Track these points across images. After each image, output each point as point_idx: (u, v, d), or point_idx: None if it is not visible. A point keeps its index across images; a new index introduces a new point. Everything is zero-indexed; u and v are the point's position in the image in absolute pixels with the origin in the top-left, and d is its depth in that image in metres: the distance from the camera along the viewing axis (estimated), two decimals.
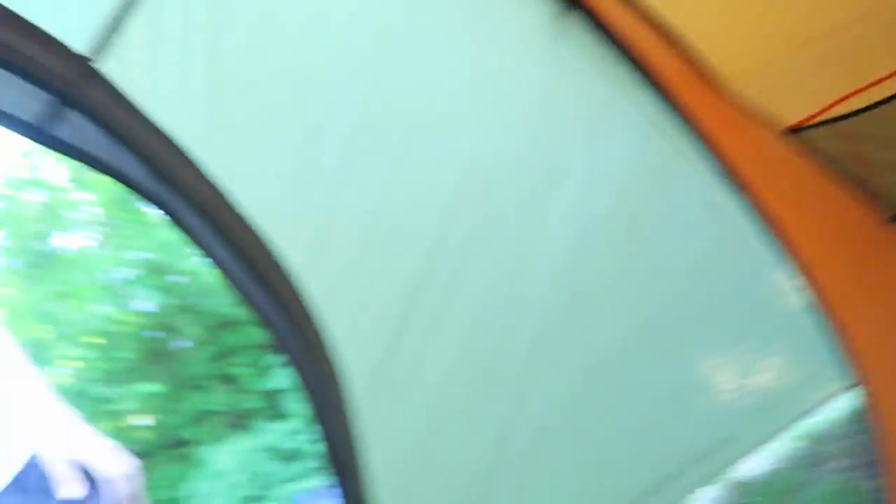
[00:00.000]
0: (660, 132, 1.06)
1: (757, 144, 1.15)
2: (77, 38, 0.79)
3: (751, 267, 1.27)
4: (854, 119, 1.24)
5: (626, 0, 0.95)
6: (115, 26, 0.80)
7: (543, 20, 0.95)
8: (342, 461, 0.99)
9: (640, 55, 0.97)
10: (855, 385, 1.10)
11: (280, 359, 1.05)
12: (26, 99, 0.81)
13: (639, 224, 1.14)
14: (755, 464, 1.85)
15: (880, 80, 1.23)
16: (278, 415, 4.61)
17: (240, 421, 4.76)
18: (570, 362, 1.24)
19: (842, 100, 1.23)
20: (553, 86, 1.03)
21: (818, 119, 1.21)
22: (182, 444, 4.77)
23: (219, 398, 4.87)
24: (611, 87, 1.03)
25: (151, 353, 5.01)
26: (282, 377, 4.18)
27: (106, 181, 3.36)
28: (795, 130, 1.21)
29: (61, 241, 5.18)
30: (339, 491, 1.02)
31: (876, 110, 1.24)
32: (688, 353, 1.35)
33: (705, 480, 1.53)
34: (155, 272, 4.91)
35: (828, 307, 1.07)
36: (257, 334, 3.89)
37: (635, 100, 1.05)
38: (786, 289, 1.27)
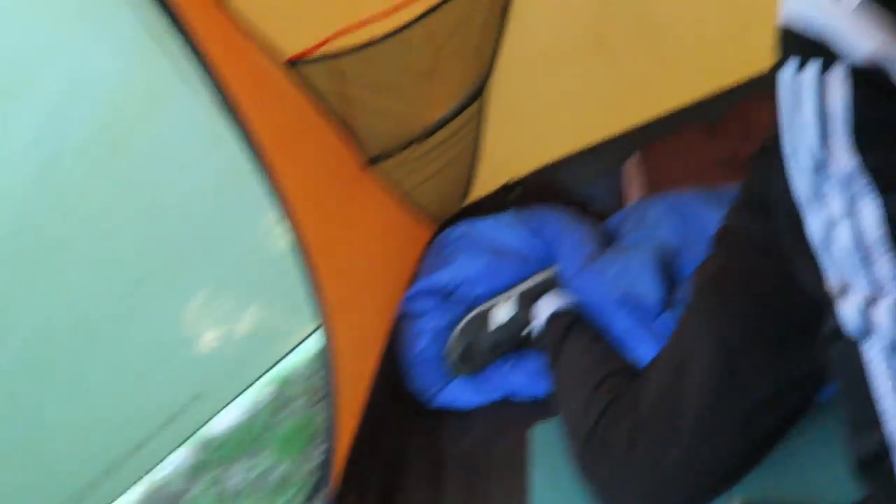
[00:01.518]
0: (161, 50, 0.93)
1: (258, 74, 1.16)
2: None
3: (244, 209, 1.28)
4: (345, 58, 1.35)
5: None
6: None
7: None
8: None
9: None
10: (320, 326, 1.24)
11: None
12: None
13: (124, 153, 1.01)
14: (226, 417, 1.94)
15: (370, 21, 1.36)
16: None
17: None
18: (27, 320, 1.05)
19: (334, 36, 1.32)
20: None
21: (315, 54, 1.26)
22: None
23: None
24: None
25: None
26: None
27: None
28: (294, 63, 1.24)
29: None
30: None
31: (363, 51, 1.37)
32: (171, 305, 1.31)
33: (175, 442, 1.53)
34: None
35: (305, 251, 1.16)
36: None
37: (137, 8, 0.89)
38: (274, 232, 1.33)
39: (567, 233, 1.63)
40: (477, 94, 1.79)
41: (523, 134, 1.95)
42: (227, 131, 1.18)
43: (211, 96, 0.99)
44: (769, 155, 0.90)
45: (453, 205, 1.98)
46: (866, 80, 0.58)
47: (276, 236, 1.44)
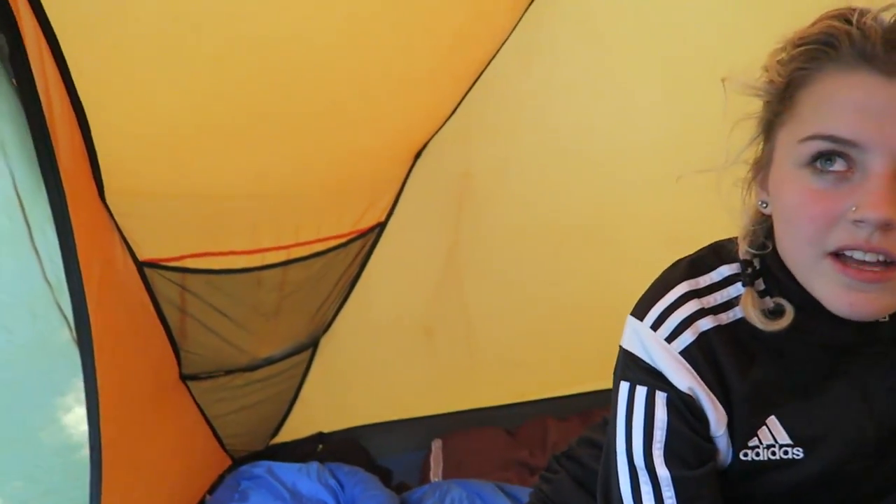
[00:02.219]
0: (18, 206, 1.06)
1: (111, 263, 1.24)
2: None
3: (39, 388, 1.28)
4: (195, 276, 1.48)
5: (61, 68, 0.95)
6: None
7: None
8: None
9: (47, 117, 0.97)
10: None
11: None
12: None
13: None
14: None
15: (230, 253, 1.52)
16: None
17: None
18: None
19: (192, 255, 1.47)
20: None
21: (169, 264, 1.39)
22: None
23: None
24: None
25: None
26: None
27: None
28: (147, 265, 1.35)
29: None
30: None
31: (214, 276, 1.51)
32: None
33: None
34: None
35: (99, 446, 1.18)
36: None
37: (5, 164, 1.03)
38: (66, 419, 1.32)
39: (369, 494, 1.68)
40: (309, 345, 1.94)
41: (341, 393, 2.07)
42: (51, 306, 1.25)
43: (65, 268, 1.08)
44: (560, 465, 1.11)
45: (257, 443, 1.99)
46: (684, 404, 0.77)
47: (63, 426, 1.42)
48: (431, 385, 2.14)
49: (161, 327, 1.53)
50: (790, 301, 0.74)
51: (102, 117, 1.14)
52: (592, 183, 1.93)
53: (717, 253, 0.82)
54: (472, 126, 1.84)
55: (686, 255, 0.85)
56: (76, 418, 1.40)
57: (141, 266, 1.42)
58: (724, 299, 0.79)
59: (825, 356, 0.77)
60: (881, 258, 0.64)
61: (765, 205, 0.76)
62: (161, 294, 1.49)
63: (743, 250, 0.78)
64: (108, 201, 1.28)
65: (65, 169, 1.05)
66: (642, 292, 0.85)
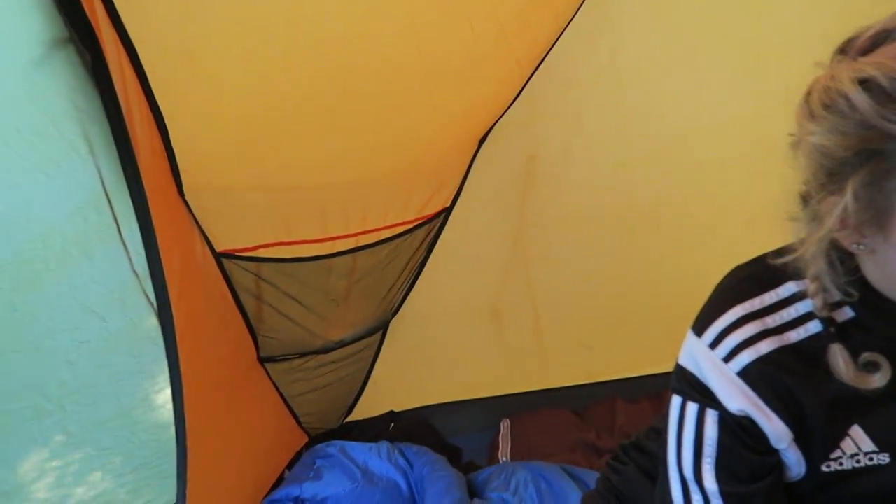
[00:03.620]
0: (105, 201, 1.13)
1: (190, 255, 1.31)
2: None
3: (131, 370, 1.36)
4: (269, 265, 1.53)
5: (140, 76, 1.00)
6: None
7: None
8: None
9: (127, 122, 1.03)
10: None
11: None
12: None
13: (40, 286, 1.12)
14: None
15: (300, 242, 1.57)
16: None
17: None
18: None
19: (265, 245, 1.52)
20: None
21: (244, 254, 1.44)
22: None
23: None
24: (75, 140, 1.04)
25: None
26: None
27: None
28: (224, 255, 1.41)
29: None
30: None
31: (287, 265, 1.56)
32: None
33: None
34: None
35: (184, 428, 1.25)
36: None
37: (93, 163, 1.09)
38: (152, 401, 1.40)
39: (437, 475, 1.72)
40: (379, 328, 1.98)
41: (411, 374, 2.12)
42: (139, 295, 1.33)
43: (148, 260, 1.16)
44: (627, 456, 1.11)
45: (331, 421, 2.07)
46: (736, 423, 0.77)
47: (155, 406, 1.51)
48: (499, 366, 2.16)
49: (239, 314, 1.61)
50: (860, 320, 0.72)
51: (179, 120, 1.19)
52: (662, 164, 1.88)
53: (783, 268, 0.76)
54: (537, 110, 1.82)
55: (750, 259, 0.82)
56: (166, 398, 1.48)
57: (219, 257, 1.48)
58: (793, 316, 0.76)
59: None
60: None
61: (861, 246, 0.69)
62: (238, 283, 1.56)
63: (818, 306, 0.74)
64: (186, 197, 1.35)
65: (144, 168, 1.10)
66: (714, 279, 0.82)
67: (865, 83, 0.61)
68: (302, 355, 1.83)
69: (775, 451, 0.78)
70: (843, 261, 0.72)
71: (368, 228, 1.72)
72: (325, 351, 1.86)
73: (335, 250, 1.69)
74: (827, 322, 0.74)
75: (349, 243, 1.71)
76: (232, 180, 1.40)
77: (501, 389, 2.19)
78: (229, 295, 1.56)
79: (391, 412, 2.16)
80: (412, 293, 2.01)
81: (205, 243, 1.44)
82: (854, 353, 0.72)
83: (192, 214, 1.39)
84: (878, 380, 0.70)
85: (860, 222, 0.66)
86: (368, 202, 1.69)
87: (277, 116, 1.33)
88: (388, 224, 1.76)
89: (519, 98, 1.78)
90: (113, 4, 0.96)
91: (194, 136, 1.26)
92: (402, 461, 1.75)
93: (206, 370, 1.42)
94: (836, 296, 0.72)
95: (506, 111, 1.79)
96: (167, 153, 1.23)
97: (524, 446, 2.02)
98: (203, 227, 1.43)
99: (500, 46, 1.55)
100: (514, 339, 2.13)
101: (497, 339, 2.11)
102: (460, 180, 1.89)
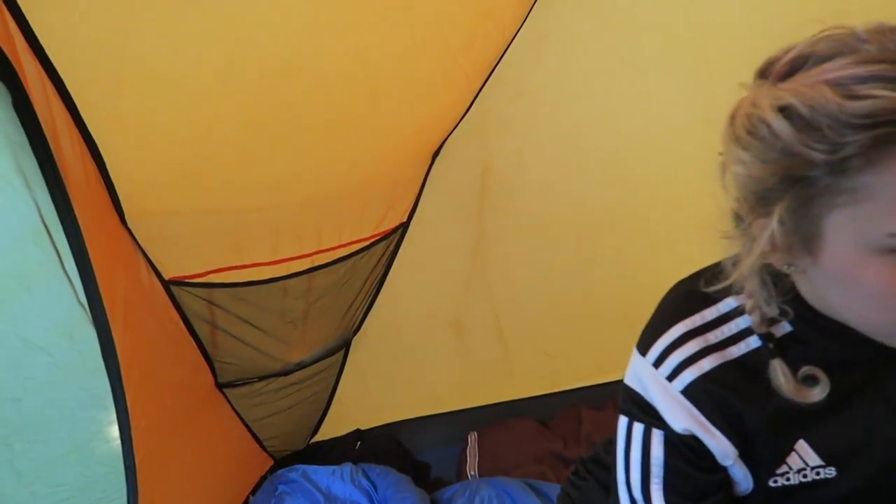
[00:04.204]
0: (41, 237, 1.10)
1: (137, 285, 1.28)
2: None
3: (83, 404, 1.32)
4: (221, 290, 1.50)
5: (68, 105, 0.97)
6: None
7: None
8: None
9: (55, 153, 1.00)
10: None
11: None
12: None
13: None
14: None
15: (254, 265, 1.54)
16: None
17: None
18: None
19: (217, 270, 1.49)
20: None
21: (195, 280, 1.42)
22: None
23: None
24: (9, 173, 1.01)
25: None
26: None
27: None
28: (173, 283, 1.38)
29: None
30: None
31: (241, 289, 1.53)
32: None
33: None
34: None
35: (134, 461, 1.22)
36: None
37: (30, 195, 1.06)
38: (104, 433, 1.37)
39: (401, 496, 1.70)
40: (340, 347, 1.96)
41: (376, 391, 2.10)
42: (88, 326, 1.29)
43: (85, 291, 1.12)
44: (587, 470, 1.10)
45: (296, 443, 2.04)
46: (682, 442, 0.76)
47: (110, 438, 1.47)
48: (465, 379, 2.15)
49: (192, 341, 1.57)
50: (798, 334, 0.72)
51: (115, 147, 1.16)
52: (615, 170, 1.89)
53: (722, 280, 0.76)
54: (489, 121, 1.82)
55: (688, 274, 0.82)
56: None
57: (167, 285, 1.45)
58: (733, 332, 0.75)
59: (849, 373, 0.74)
60: None
61: (791, 267, 0.69)
62: (190, 310, 1.52)
63: (756, 322, 0.74)
64: (129, 225, 1.32)
65: (78, 199, 1.07)
66: (672, 282, 0.82)
67: (785, 110, 0.60)
68: (261, 378, 1.80)
69: (722, 469, 0.78)
70: (778, 278, 0.72)
71: (323, 248, 1.70)
72: (286, 373, 1.84)
73: (290, 271, 1.66)
74: (766, 338, 0.74)
75: (304, 263, 1.69)
76: (177, 205, 1.37)
77: (468, 402, 2.18)
78: (181, 322, 1.53)
79: (358, 431, 2.14)
80: (373, 309, 1.99)
81: (151, 271, 1.41)
82: (793, 368, 0.72)
83: (137, 242, 1.36)
84: (817, 393, 0.70)
85: (789, 245, 0.66)
86: (322, 221, 1.67)
87: (219, 138, 1.30)
88: (343, 242, 1.74)
89: (470, 110, 1.78)
90: (34, 35, 0.94)
91: (133, 163, 1.23)
92: (365, 483, 1.73)
93: (157, 400, 1.38)
94: (772, 312, 0.73)
95: (457, 124, 1.79)
96: (105, 182, 1.20)
97: (492, 459, 2.01)
98: (149, 254, 1.40)
99: (447, 60, 1.54)
100: (479, 351, 2.12)
101: (461, 351, 2.10)
102: (416, 195, 1.87)
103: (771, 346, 0.73)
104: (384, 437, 2.13)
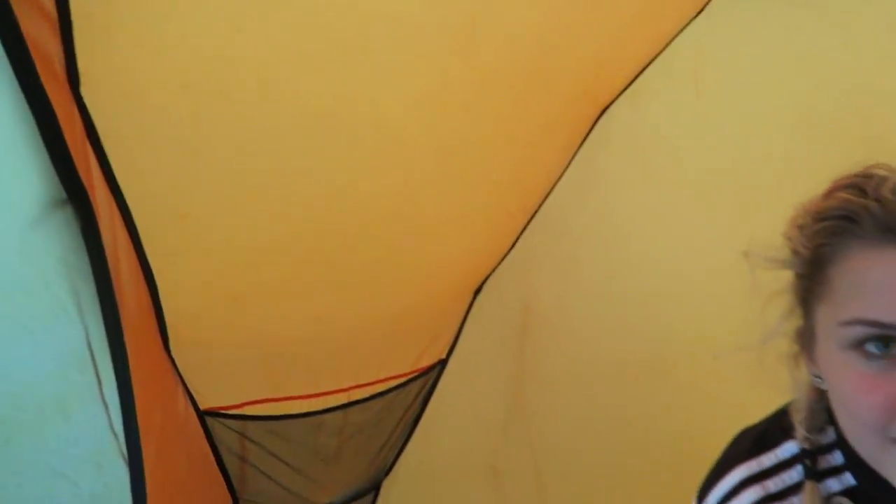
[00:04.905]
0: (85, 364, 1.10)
1: (174, 414, 1.26)
2: None
3: None
4: (255, 423, 1.47)
5: (132, 234, 1.01)
6: None
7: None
8: None
9: (114, 280, 1.02)
10: None
11: None
12: None
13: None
14: None
15: (289, 398, 1.52)
16: None
17: None
18: None
19: (252, 402, 1.47)
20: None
21: (229, 412, 1.40)
22: None
23: None
24: (64, 298, 1.03)
25: None
26: None
27: None
28: (207, 413, 1.36)
29: None
30: None
31: (275, 423, 1.51)
32: None
33: None
34: None
35: None
36: None
37: (80, 321, 1.07)
38: None
39: None
40: (370, 489, 1.88)
41: None
42: (117, 457, 1.26)
43: (124, 419, 1.11)
44: None
45: None
46: None
47: None
48: None
49: (220, 476, 1.52)
50: (863, 489, 0.69)
51: (168, 276, 1.20)
52: (661, 315, 1.86)
53: (782, 424, 0.75)
54: (532, 260, 1.84)
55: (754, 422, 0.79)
56: None
57: (202, 415, 1.43)
58: (795, 481, 0.72)
59: None
60: None
61: (819, 379, 0.69)
62: (221, 442, 1.49)
63: (801, 436, 0.72)
64: (172, 353, 1.33)
65: (129, 325, 1.09)
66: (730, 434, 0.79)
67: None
68: None
69: None
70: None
71: (361, 383, 1.68)
72: None
73: (326, 406, 1.63)
74: (804, 454, 0.72)
75: (341, 398, 1.66)
76: (220, 335, 1.38)
77: None
78: (211, 455, 1.49)
79: None
80: (406, 451, 1.92)
81: (188, 401, 1.40)
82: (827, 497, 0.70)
83: (177, 370, 1.36)
84: None
85: (804, 347, 0.71)
86: (361, 355, 1.66)
87: (269, 269, 1.34)
88: (381, 378, 1.71)
89: (513, 248, 1.81)
90: (109, 165, 1.00)
91: (184, 292, 1.26)
92: None
93: None
94: (818, 440, 0.72)
95: (500, 262, 1.81)
96: (155, 309, 1.23)
97: None
98: (188, 383, 1.39)
99: (492, 200, 1.60)
100: (515, 499, 2.00)
101: (497, 498, 1.99)
102: (455, 331, 1.87)
103: (809, 464, 0.71)
104: None
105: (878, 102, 1.50)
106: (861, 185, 0.62)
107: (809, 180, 0.70)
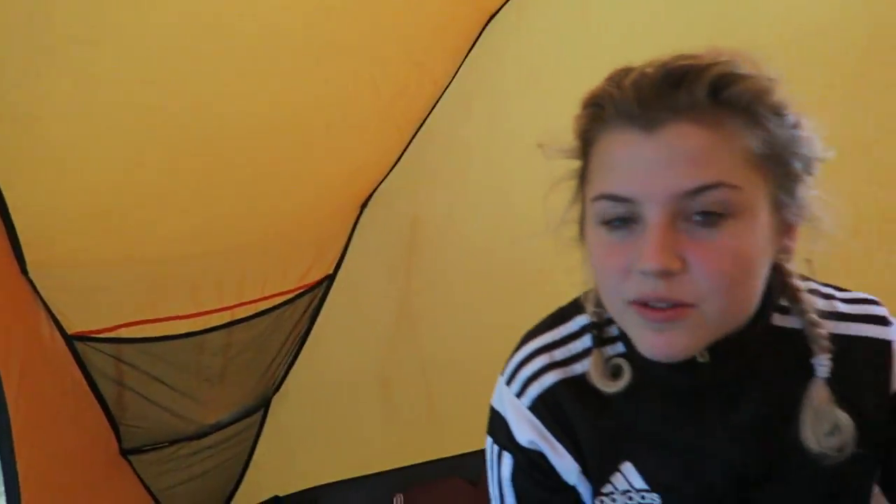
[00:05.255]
0: None
1: (36, 341, 1.17)
2: None
3: None
4: (131, 346, 1.40)
5: None
6: None
7: None
8: None
9: None
10: None
11: None
12: None
13: None
14: None
15: (168, 318, 1.45)
16: None
17: None
18: None
19: (127, 324, 1.39)
20: None
21: (102, 335, 1.32)
22: None
23: None
24: None
25: None
26: None
27: None
28: (77, 338, 1.28)
29: None
30: None
31: (152, 345, 1.43)
32: None
33: None
34: None
35: None
36: None
37: None
38: None
39: None
40: (259, 407, 1.86)
41: (297, 454, 1.99)
42: None
43: None
44: None
45: None
46: (529, 461, 0.79)
47: None
48: (391, 439, 2.07)
49: (96, 403, 1.45)
50: (630, 355, 0.75)
51: (19, 191, 1.07)
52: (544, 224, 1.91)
53: (577, 302, 0.82)
54: (419, 173, 1.81)
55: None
56: None
57: (71, 340, 1.34)
58: (578, 350, 0.79)
59: (674, 402, 0.76)
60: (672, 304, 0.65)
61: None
62: (94, 368, 1.40)
63: (590, 311, 0.79)
64: (31, 275, 1.21)
65: None
66: None
67: None
68: (173, 443, 1.67)
69: (570, 488, 0.80)
70: None
71: (245, 300, 1.62)
72: (200, 436, 1.71)
73: (208, 325, 1.57)
74: (592, 325, 0.79)
75: (224, 317, 1.60)
76: (86, 255, 1.28)
77: (394, 463, 2.10)
78: (84, 382, 1.40)
79: (275, 497, 2.01)
80: (295, 367, 1.91)
81: (53, 326, 1.29)
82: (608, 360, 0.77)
83: (39, 294, 1.25)
84: (619, 384, 0.74)
85: (582, 233, 0.75)
86: (244, 272, 1.60)
87: (137, 184, 1.23)
88: (266, 295, 1.67)
89: (400, 162, 1.77)
90: None
91: (40, 208, 1.14)
92: None
93: (52, 473, 1.25)
94: (601, 317, 0.78)
95: (387, 175, 1.77)
96: (6, 227, 1.11)
97: None
98: (52, 307, 1.29)
99: (378, 109, 1.54)
100: (406, 409, 2.06)
101: (387, 410, 2.04)
102: (342, 247, 1.83)
103: (596, 335, 0.78)
104: (304, 502, 2.01)
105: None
106: (615, 75, 0.67)
107: None
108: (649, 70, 0.65)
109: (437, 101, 1.70)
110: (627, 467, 0.78)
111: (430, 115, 1.73)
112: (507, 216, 1.89)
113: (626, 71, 0.67)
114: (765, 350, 0.73)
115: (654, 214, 0.63)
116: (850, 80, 1.57)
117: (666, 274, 0.63)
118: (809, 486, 0.75)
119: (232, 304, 1.60)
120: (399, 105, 1.59)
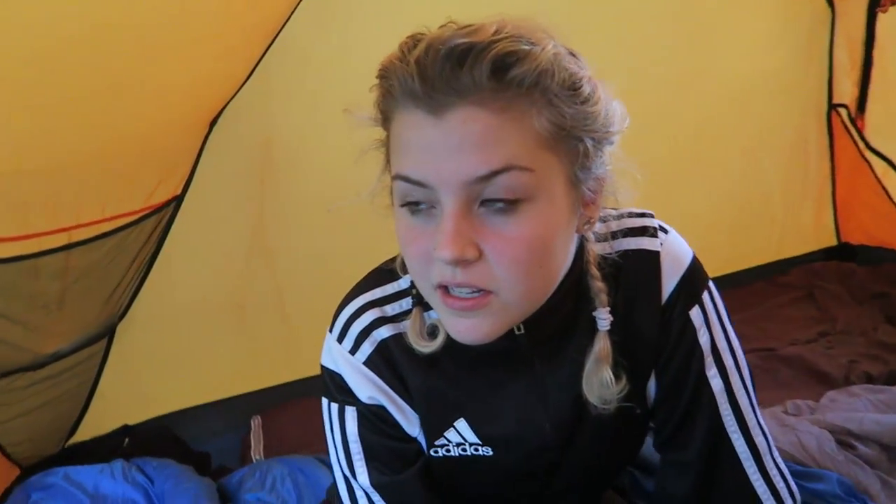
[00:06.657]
0: None
1: None
2: None
3: None
4: None
5: None
6: None
7: None
8: None
9: None
10: None
11: None
12: None
13: None
14: None
15: (5, 239, 1.35)
16: None
17: None
18: None
19: None
20: None
21: None
22: None
23: None
24: None
25: None
26: None
27: None
28: None
29: None
30: None
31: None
32: None
33: None
34: None
35: None
36: None
37: None
38: None
39: (181, 488, 1.58)
40: (104, 335, 1.78)
41: (145, 381, 1.94)
42: None
43: None
44: None
45: (49, 447, 1.81)
46: (372, 414, 0.80)
47: None
48: (246, 362, 2.07)
49: None
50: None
51: None
52: None
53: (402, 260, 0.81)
54: (271, 92, 1.77)
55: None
56: None
57: None
58: (406, 307, 0.79)
59: (498, 363, 0.78)
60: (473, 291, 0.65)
61: None
62: None
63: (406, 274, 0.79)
64: None
65: None
66: None
67: None
68: (6, 374, 1.56)
69: (414, 439, 0.82)
70: None
71: (83, 222, 1.52)
72: (37, 366, 1.62)
73: (42, 248, 1.47)
74: (415, 292, 0.78)
75: (60, 239, 1.50)
76: None
77: (249, 386, 2.10)
78: None
79: (125, 427, 1.95)
80: (142, 292, 1.83)
81: None
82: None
83: None
84: (433, 345, 0.75)
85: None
86: (82, 191, 1.50)
87: None
88: (107, 216, 1.57)
89: (251, 77, 1.71)
90: None
91: None
92: (140, 478, 1.59)
93: None
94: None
95: (238, 90, 1.71)
96: None
97: (278, 441, 1.96)
98: None
99: (227, 20, 1.47)
100: (261, 333, 2.05)
101: (241, 333, 2.03)
102: (191, 166, 1.76)
103: (415, 294, 0.78)
104: (156, 430, 1.97)
105: None
106: (405, 46, 0.63)
107: None
108: (436, 44, 0.59)
109: (291, 14, 1.65)
110: (461, 423, 0.80)
111: (285, 28, 1.67)
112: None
113: (414, 41, 0.62)
114: (577, 309, 0.75)
115: (448, 202, 0.61)
116: None
117: (462, 262, 0.62)
118: (600, 439, 0.80)
119: (69, 225, 1.50)
120: (249, 17, 1.53)
